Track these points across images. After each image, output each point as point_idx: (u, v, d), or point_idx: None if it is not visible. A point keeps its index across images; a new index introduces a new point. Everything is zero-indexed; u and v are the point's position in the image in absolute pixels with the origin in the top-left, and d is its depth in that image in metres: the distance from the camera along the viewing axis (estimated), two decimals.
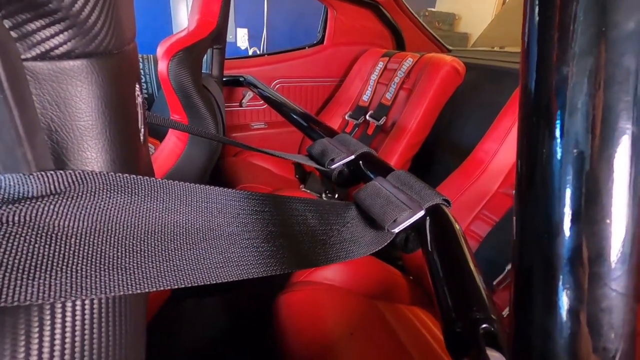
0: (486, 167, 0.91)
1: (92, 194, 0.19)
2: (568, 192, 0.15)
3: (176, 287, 0.20)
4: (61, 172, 0.19)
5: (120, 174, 0.21)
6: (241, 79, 1.25)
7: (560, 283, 0.15)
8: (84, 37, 0.18)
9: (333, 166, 0.52)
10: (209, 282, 0.21)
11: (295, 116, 0.84)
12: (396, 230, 0.36)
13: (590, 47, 0.14)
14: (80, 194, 0.19)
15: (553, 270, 0.15)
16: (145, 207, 0.21)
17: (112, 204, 0.20)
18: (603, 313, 0.14)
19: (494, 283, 0.76)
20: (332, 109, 1.54)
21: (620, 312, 0.14)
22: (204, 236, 0.24)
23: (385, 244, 0.35)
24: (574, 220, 0.15)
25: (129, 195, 0.21)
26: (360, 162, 0.52)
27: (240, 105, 1.49)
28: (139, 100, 0.30)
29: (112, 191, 0.20)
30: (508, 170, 0.88)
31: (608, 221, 0.14)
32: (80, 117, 0.19)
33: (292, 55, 1.55)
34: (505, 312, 0.71)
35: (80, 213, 0.19)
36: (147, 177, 0.22)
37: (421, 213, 0.37)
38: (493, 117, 0.95)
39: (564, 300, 0.15)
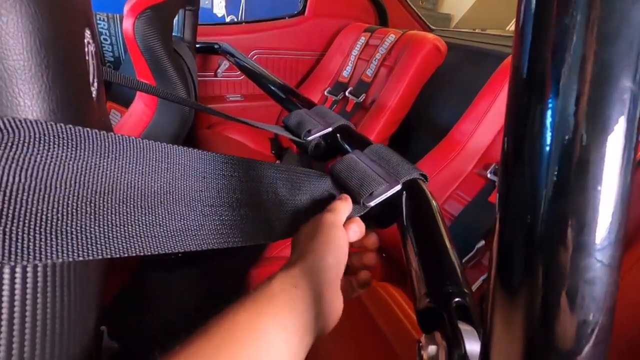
0: (462, 148, 0.91)
1: (26, 145, 0.17)
2: (558, 157, 0.14)
3: (125, 255, 0.18)
4: None
5: (61, 124, 0.18)
6: (216, 47, 1.18)
7: (544, 255, 0.14)
8: None
9: (309, 138, 0.50)
10: (162, 252, 0.19)
11: (273, 88, 0.81)
12: (372, 203, 0.35)
13: None
14: (9, 144, 0.16)
15: (537, 242, 0.14)
16: (92, 163, 0.19)
17: (51, 157, 0.17)
18: (586, 285, 0.13)
19: (463, 261, 0.77)
20: (311, 84, 1.50)
21: (604, 285, 0.13)
22: (161, 200, 0.21)
23: (359, 215, 0.34)
24: (563, 188, 0.14)
25: (73, 149, 0.18)
26: (338, 135, 0.51)
27: (215, 76, 1.42)
28: (91, 48, 0.26)
29: (51, 143, 0.17)
30: (483, 152, 0.89)
31: (599, 188, 0.13)
32: (7, 55, 0.16)
33: (271, 25, 1.49)
34: (474, 288, 0.73)
35: (10, 166, 0.16)
36: (96, 130, 0.20)
37: (398, 187, 0.36)
38: (472, 98, 0.95)
39: (547, 273, 0.14)
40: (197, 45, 1.17)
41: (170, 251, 0.20)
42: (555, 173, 0.14)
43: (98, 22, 1.12)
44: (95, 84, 0.28)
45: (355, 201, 0.36)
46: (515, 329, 0.15)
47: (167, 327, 0.92)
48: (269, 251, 0.77)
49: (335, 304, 0.26)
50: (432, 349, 0.23)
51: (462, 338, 0.22)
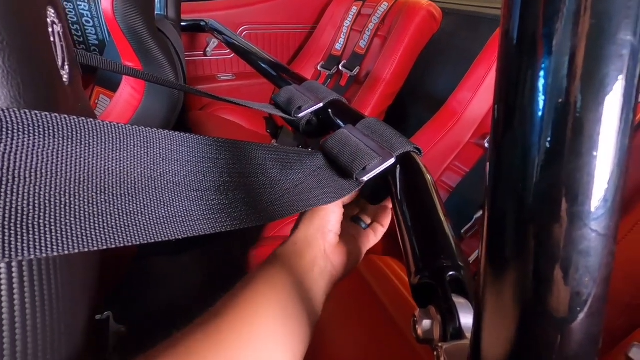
0: (459, 118, 0.90)
1: None
2: (551, 121, 0.13)
3: (105, 247, 0.17)
4: None
5: (26, 111, 0.17)
6: (203, 24, 1.14)
7: (536, 225, 0.13)
8: None
9: (300, 115, 0.49)
10: (146, 241, 0.19)
11: (264, 65, 0.78)
12: (365, 178, 0.34)
13: None
14: None
15: (529, 212, 0.14)
16: (63, 151, 0.18)
17: (16, 146, 0.16)
18: (580, 256, 0.13)
19: (462, 231, 0.78)
20: (304, 59, 1.46)
21: (599, 255, 0.13)
22: (142, 186, 0.21)
23: (354, 191, 0.34)
24: (556, 154, 0.13)
25: (41, 136, 0.17)
26: (330, 110, 0.49)
27: (205, 55, 1.38)
28: (57, 29, 0.25)
29: (15, 131, 0.16)
30: (481, 120, 0.87)
31: (595, 153, 0.12)
32: None
33: None
34: (472, 258, 0.74)
35: None
36: (65, 116, 0.18)
37: (392, 161, 0.35)
38: (468, 65, 0.93)
39: (539, 244, 0.13)
40: (183, 23, 1.13)
41: (154, 240, 0.20)
42: (549, 138, 0.13)
43: (79, 3, 1.08)
44: (67, 68, 0.27)
45: (348, 176, 0.35)
46: (507, 302, 0.14)
47: (172, 308, 0.94)
48: (268, 231, 0.77)
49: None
50: (426, 323, 0.22)
51: (456, 312, 0.22)
